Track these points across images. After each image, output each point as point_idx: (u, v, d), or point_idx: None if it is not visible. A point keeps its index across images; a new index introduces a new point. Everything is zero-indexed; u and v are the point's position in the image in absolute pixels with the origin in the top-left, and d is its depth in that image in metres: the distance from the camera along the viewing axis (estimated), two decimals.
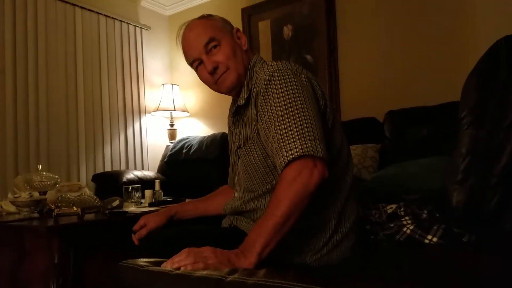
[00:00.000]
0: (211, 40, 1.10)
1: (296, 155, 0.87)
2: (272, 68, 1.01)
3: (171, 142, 3.60)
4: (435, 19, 2.58)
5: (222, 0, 3.64)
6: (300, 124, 0.91)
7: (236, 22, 3.43)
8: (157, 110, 3.60)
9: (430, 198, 1.54)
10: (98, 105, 3.28)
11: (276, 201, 0.87)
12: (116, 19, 3.47)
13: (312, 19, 3.09)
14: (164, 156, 3.52)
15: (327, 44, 3.01)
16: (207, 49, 1.10)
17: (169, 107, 3.57)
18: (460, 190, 1.26)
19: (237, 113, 1.15)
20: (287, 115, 0.92)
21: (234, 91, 1.15)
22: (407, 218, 1.36)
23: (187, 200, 1.88)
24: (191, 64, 1.16)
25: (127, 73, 3.54)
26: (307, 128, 0.90)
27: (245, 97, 1.09)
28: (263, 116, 0.99)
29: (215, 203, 1.34)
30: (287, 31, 3.23)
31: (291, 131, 0.90)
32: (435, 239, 1.24)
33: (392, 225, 1.34)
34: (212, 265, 0.80)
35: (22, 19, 2.78)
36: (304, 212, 0.89)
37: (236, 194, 1.20)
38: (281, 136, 0.91)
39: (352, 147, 2.34)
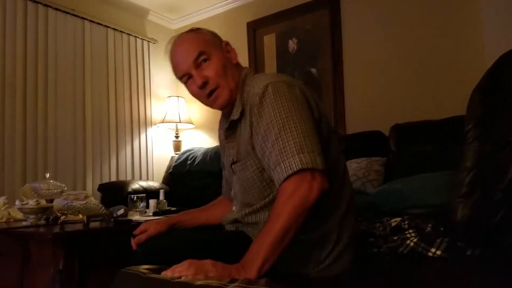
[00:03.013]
0: (200, 54, 1.08)
1: (295, 169, 0.87)
2: (265, 81, 1.00)
3: (176, 154, 3.63)
4: (442, 33, 2.60)
5: (227, 14, 3.70)
6: (298, 137, 0.91)
7: (242, 35, 3.48)
8: (162, 122, 3.64)
9: (435, 214, 1.53)
10: (105, 116, 3.32)
11: (274, 215, 0.88)
12: (124, 33, 3.53)
13: (317, 33, 3.13)
14: (169, 167, 3.55)
15: (331, 58, 3.04)
16: (197, 63, 1.09)
17: (175, 119, 3.61)
18: (464, 204, 1.26)
19: (230, 128, 1.13)
20: (283, 129, 0.92)
21: (227, 107, 1.13)
22: (410, 231, 1.36)
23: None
24: (180, 78, 1.14)
25: (134, 85, 3.59)
26: (304, 141, 0.90)
27: (239, 111, 1.07)
28: (259, 131, 0.98)
29: (215, 213, 1.35)
30: (292, 44, 3.27)
31: (288, 145, 0.90)
32: (438, 252, 1.24)
33: (395, 238, 1.34)
34: (213, 278, 0.80)
35: (33, 32, 2.84)
36: (304, 225, 0.89)
37: (233, 208, 1.20)
38: (278, 150, 0.91)
39: (357, 160, 2.34)
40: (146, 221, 1.65)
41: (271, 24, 3.38)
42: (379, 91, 2.84)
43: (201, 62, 1.09)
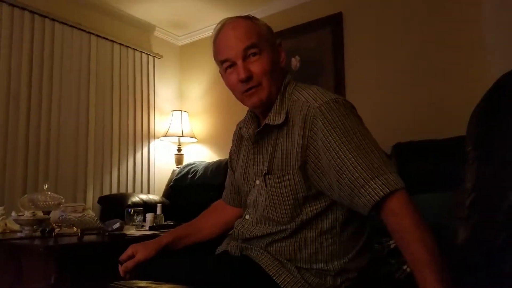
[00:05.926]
0: (252, 46, 1.02)
1: (395, 187, 0.84)
2: (325, 95, 0.97)
3: (178, 167, 3.63)
4: (445, 52, 2.60)
5: None
6: (380, 156, 0.88)
7: None
8: (165, 136, 3.65)
9: (438, 235, 1.50)
10: (109, 129, 3.33)
11: (415, 236, 0.85)
12: (130, 48, 3.58)
13: (320, 52, 3.15)
14: (170, 181, 3.54)
15: (333, 76, 3.05)
16: (246, 54, 1.02)
17: (178, 132, 3.62)
18: (465, 227, 1.23)
19: (264, 132, 1.06)
20: (363, 148, 0.88)
21: (260, 108, 1.08)
22: None
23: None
24: (221, 62, 1.06)
25: (138, 99, 3.61)
26: (386, 160, 0.88)
27: (282, 118, 1.01)
28: (329, 146, 0.90)
29: (208, 225, 1.30)
30: (295, 62, 3.28)
31: (373, 164, 0.86)
32: None
33: (393, 261, 1.31)
34: None
35: (39, 45, 2.88)
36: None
37: (247, 216, 1.12)
38: (366, 167, 0.86)
39: None
40: (140, 235, 1.64)
41: None
42: (381, 109, 2.83)
43: (250, 55, 1.02)
